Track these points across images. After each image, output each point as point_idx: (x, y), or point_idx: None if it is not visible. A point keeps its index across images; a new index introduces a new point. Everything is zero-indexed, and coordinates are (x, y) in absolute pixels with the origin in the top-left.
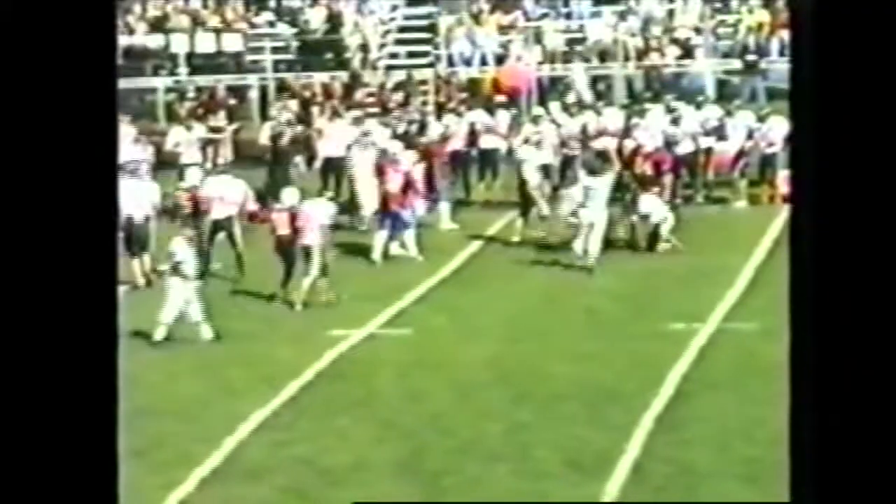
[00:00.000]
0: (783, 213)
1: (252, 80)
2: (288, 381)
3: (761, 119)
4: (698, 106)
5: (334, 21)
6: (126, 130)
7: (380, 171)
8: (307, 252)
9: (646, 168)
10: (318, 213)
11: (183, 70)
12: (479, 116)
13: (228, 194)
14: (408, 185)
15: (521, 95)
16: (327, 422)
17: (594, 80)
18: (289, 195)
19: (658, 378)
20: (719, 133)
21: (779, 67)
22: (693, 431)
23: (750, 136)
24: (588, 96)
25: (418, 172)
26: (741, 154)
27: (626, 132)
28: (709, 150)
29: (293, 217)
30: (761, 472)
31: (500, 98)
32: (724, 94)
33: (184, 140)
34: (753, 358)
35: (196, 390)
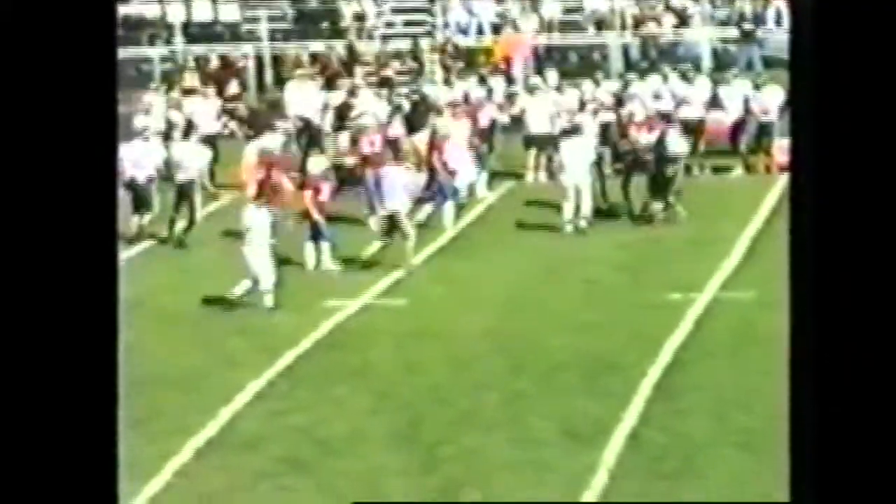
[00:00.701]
0: (780, 182)
1: (248, 49)
2: (285, 351)
3: (758, 87)
4: (692, 75)
5: None
6: (154, 99)
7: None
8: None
9: (640, 137)
10: (401, 179)
11: (179, 40)
12: (472, 86)
13: (192, 160)
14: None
15: (519, 65)
16: (324, 392)
17: (590, 50)
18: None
19: (655, 348)
20: (715, 102)
21: (775, 36)
22: (690, 401)
23: (746, 105)
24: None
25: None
26: (738, 123)
27: (621, 102)
28: (703, 120)
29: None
30: (758, 442)
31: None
32: (721, 62)
33: (200, 110)
34: (750, 327)
35: (194, 360)
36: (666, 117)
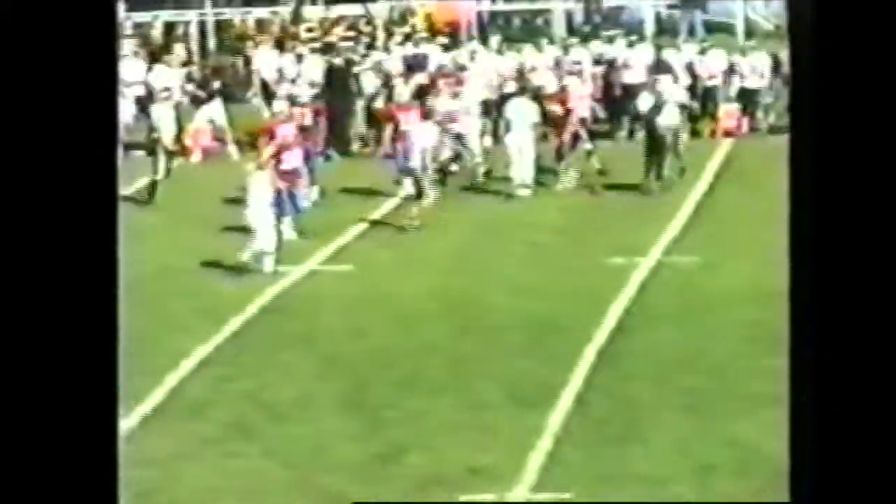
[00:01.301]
0: (724, 146)
1: (191, 15)
2: (231, 317)
3: (702, 52)
4: (634, 41)
5: None
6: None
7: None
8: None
9: (582, 103)
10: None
11: (121, 5)
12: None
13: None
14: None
15: (461, 30)
16: (270, 357)
17: (534, 15)
18: None
19: (600, 311)
20: (659, 67)
21: (717, 2)
22: (634, 364)
23: (690, 69)
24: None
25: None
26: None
27: (559, 65)
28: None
29: None
30: (701, 403)
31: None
32: (664, 27)
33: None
34: (693, 291)
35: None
36: (608, 83)
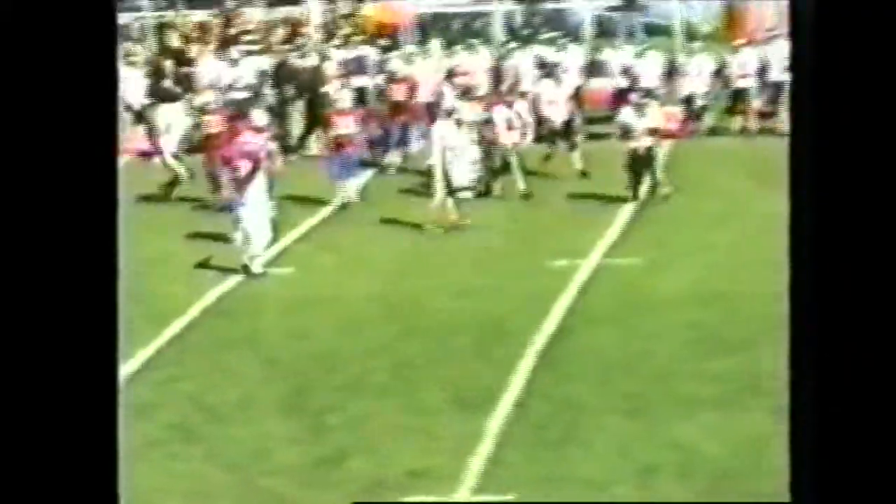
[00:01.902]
0: (664, 148)
1: (128, 18)
2: (173, 319)
3: (639, 55)
4: (569, 42)
5: None
6: None
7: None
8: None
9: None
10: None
11: None
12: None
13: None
14: None
15: (400, 32)
16: (213, 360)
17: (473, 17)
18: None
19: (542, 313)
20: (597, 69)
21: (657, 3)
22: (575, 366)
23: (628, 72)
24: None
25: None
26: (622, 90)
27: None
28: (579, 88)
29: None
30: (643, 407)
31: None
32: (603, 30)
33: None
34: (634, 293)
35: None
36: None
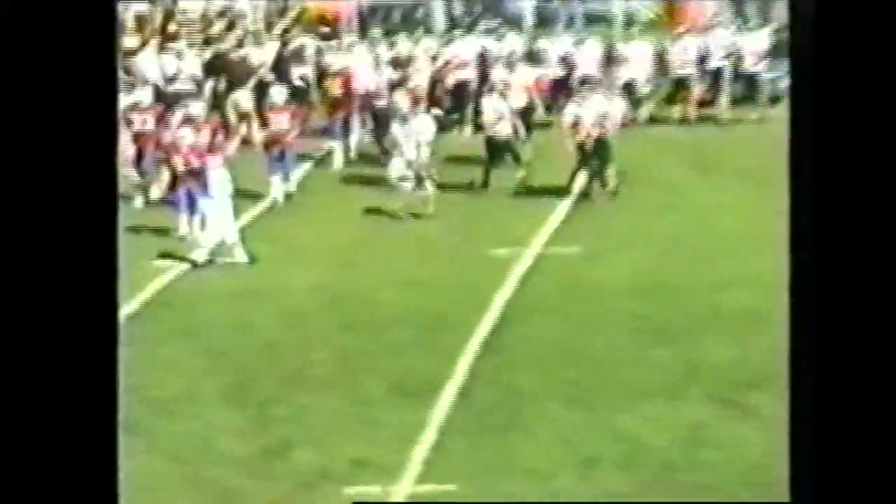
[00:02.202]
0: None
1: None
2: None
3: (579, 43)
4: (504, 33)
5: None
6: None
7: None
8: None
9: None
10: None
11: None
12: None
13: None
14: None
15: (342, 22)
16: (155, 352)
17: (414, 7)
18: None
19: (484, 303)
20: (536, 58)
21: None
22: (517, 355)
23: (566, 60)
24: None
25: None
26: (560, 79)
27: (436, 58)
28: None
29: None
30: (583, 394)
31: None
32: (543, 18)
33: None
34: (575, 281)
35: None
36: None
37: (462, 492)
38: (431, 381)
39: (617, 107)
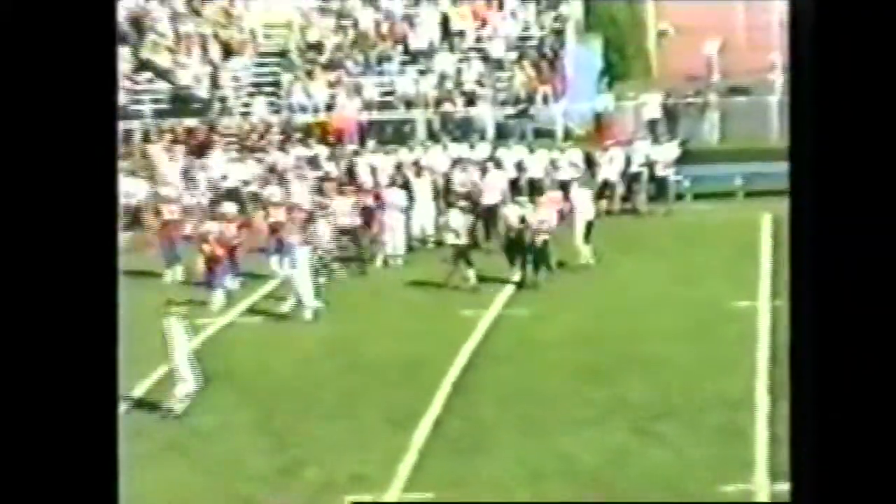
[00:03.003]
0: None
1: (135, 124)
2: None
3: (531, 151)
4: (475, 143)
5: (199, 78)
6: None
7: None
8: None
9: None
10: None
11: None
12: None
13: None
14: None
15: (348, 136)
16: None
17: (402, 124)
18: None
19: (455, 352)
20: (496, 162)
21: (543, 113)
22: (480, 393)
23: (520, 165)
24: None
25: None
26: (514, 180)
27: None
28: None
29: None
30: (535, 425)
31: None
32: (502, 132)
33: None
34: (527, 337)
35: None
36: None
37: (438, 499)
38: (413, 412)
39: (554, 202)
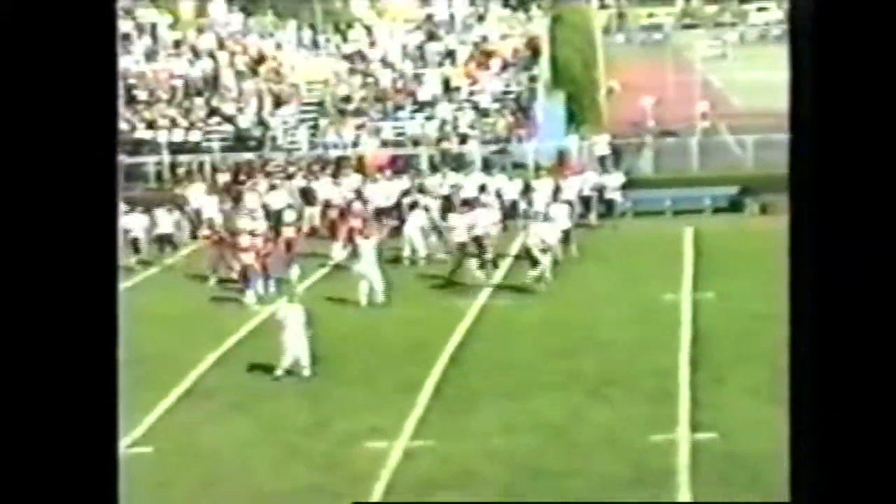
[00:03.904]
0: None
1: (206, 158)
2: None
3: (510, 179)
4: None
5: (256, 121)
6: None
7: None
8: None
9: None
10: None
11: (165, 152)
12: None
13: None
14: None
15: (385, 167)
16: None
17: (411, 157)
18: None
19: (450, 333)
20: (483, 191)
21: (518, 150)
22: (470, 365)
23: (499, 192)
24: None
25: None
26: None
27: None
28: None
29: None
30: (514, 390)
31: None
32: (487, 164)
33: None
34: (507, 322)
35: None
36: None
37: (439, 446)
38: (416, 381)
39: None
